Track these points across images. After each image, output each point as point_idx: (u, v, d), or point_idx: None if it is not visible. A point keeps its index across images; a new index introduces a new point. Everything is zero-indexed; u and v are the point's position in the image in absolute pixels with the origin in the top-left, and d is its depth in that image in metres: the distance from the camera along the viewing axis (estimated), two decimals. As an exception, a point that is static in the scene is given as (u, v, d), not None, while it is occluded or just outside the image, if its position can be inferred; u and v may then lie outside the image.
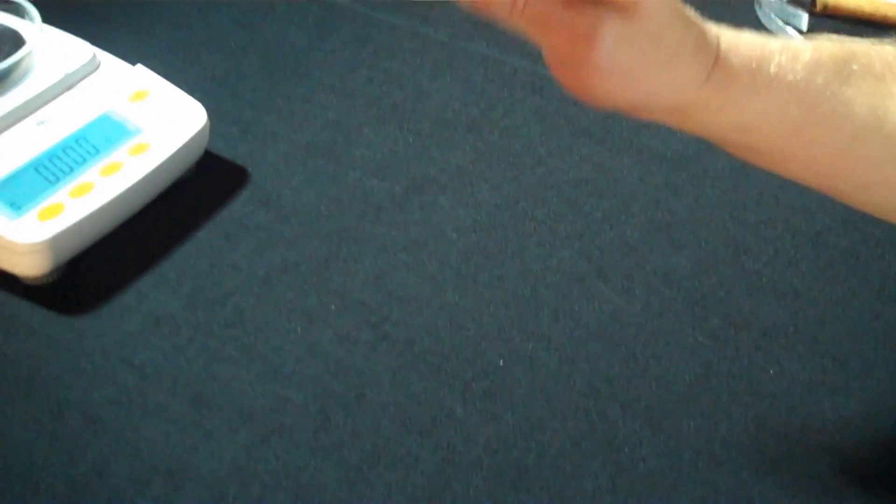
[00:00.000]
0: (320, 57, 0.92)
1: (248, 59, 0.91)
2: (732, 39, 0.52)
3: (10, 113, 0.73)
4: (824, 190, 0.57)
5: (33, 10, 0.78)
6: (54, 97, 0.76)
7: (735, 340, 0.67)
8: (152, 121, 0.76)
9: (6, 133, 0.73)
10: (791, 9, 0.92)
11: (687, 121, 0.53)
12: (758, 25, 0.95)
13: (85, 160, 0.72)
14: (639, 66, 0.50)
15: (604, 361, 0.66)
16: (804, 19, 0.91)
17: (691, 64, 0.50)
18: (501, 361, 0.66)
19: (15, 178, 0.70)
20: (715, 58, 0.51)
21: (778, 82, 0.51)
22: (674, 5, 0.50)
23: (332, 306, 0.70)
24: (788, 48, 0.52)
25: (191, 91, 0.79)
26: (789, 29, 0.92)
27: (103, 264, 0.72)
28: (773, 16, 0.93)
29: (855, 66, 0.52)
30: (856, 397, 0.65)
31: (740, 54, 0.51)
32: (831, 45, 0.53)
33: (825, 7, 0.95)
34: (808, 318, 0.69)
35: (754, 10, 0.96)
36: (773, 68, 0.51)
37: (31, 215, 0.69)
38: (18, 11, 0.79)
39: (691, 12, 0.51)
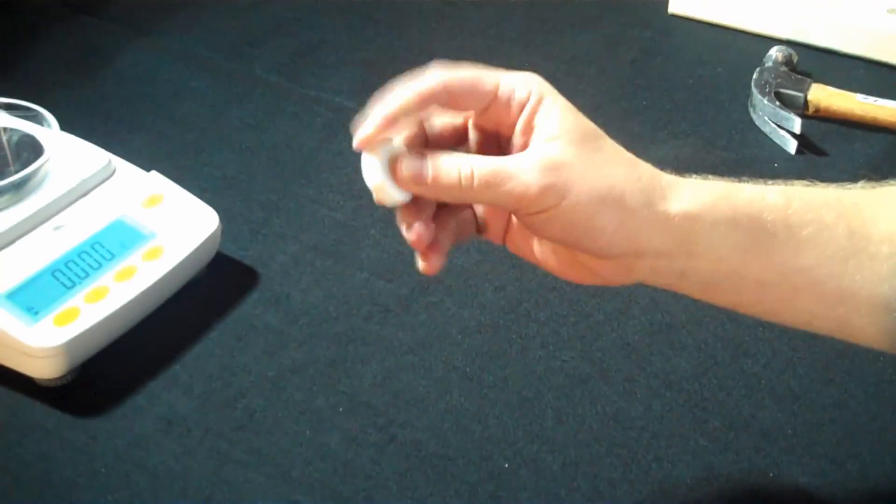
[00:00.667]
0: (328, 158, 0.95)
1: (258, 160, 0.94)
2: (697, 183, 0.54)
3: (27, 219, 0.76)
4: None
5: (51, 118, 0.81)
6: (70, 203, 0.78)
7: (735, 443, 0.69)
8: (166, 226, 0.78)
9: (24, 239, 0.75)
10: (784, 112, 0.95)
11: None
12: (751, 128, 0.98)
13: (100, 265, 0.75)
14: (596, 206, 0.52)
15: (607, 464, 0.68)
16: (797, 122, 0.94)
17: (650, 208, 0.52)
18: (507, 464, 0.68)
19: (32, 283, 0.73)
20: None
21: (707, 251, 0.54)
22: (597, 192, 0.52)
23: (341, 408, 0.71)
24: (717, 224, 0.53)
25: (202, 192, 0.82)
26: (782, 132, 0.94)
27: (116, 366, 0.74)
28: (766, 118, 0.96)
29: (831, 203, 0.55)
30: (853, 499, 0.66)
31: (706, 194, 0.53)
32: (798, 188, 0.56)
33: (817, 110, 0.98)
34: (806, 420, 0.70)
35: (748, 114, 0.99)
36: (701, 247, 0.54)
37: (47, 320, 0.71)
38: (36, 119, 0.82)
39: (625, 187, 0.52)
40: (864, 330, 0.55)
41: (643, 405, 0.72)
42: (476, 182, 0.52)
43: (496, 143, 0.56)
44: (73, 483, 0.67)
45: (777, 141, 0.96)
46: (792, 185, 0.56)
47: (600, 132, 0.54)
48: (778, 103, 0.97)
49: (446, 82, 0.53)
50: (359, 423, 0.70)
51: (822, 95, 0.98)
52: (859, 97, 0.98)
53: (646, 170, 0.54)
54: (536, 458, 0.68)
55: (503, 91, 0.53)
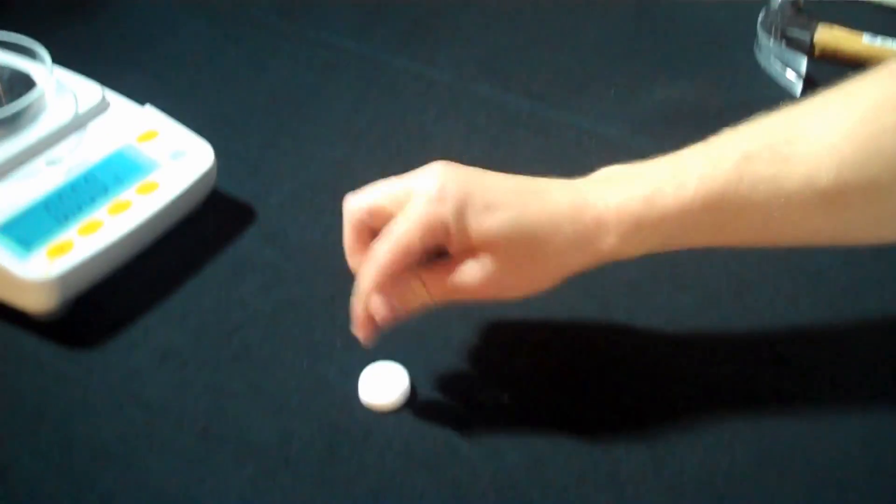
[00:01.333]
0: (326, 97, 0.93)
1: (255, 99, 0.93)
2: (619, 206, 0.60)
3: (20, 153, 0.75)
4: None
5: (44, 52, 0.79)
6: (64, 137, 0.77)
7: (738, 374, 0.68)
8: (161, 160, 0.77)
9: (16, 172, 0.74)
10: (790, 53, 0.93)
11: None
12: (757, 70, 0.96)
13: (94, 199, 0.73)
14: (537, 280, 0.63)
15: (608, 397, 0.67)
16: (803, 64, 0.92)
17: (585, 256, 0.61)
18: (506, 397, 0.67)
19: (25, 216, 0.71)
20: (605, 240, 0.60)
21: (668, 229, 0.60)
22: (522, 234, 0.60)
23: (338, 342, 0.70)
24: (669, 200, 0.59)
25: (198, 129, 0.80)
26: (789, 72, 0.93)
27: (111, 300, 0.73)
28: (772, 59, 0.95)
29: (744, 166, 0.59)
30: (856, 426, 0.65)
31: (630, 220, 0.60)
32: (712, 161, 0.60)
33: (823, 52, 0.96)
34: (810, 351, 0.70)
35: (754, 55, 0.98)
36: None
37: (40, 253, 0.69)
38: (30, 54, 0.80)
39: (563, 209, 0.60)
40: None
41: (645, 341, 0.71)
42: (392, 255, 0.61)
43: None
44: (67, 416, 0.66)
45: (783, 83, 0.94)
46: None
47: (517, 211, 0.60)
48: (784, 45, 0.95)
49: (369, 208, 0.64)
50: (357, 356, 0.69)
51: (829, 37, 0.97)
52: (866, 38, 0.96)
53: (568, 220, 0.60)
54: (537, 394, 0.67)
55: (430, 231, 0.60)
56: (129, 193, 0.74)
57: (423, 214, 0.59)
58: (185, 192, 0.76)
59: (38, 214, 0.72)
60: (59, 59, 0.80)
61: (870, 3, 1.05)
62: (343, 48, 0.99)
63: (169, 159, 0.77)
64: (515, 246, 0.60)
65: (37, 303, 0.70)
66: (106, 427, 0.65)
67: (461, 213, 0.59)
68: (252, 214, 0.81)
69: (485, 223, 0.59)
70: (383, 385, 0.66)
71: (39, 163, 0.75)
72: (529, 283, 0.62)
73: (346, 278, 0.74)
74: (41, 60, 0.79)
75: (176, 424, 0.65)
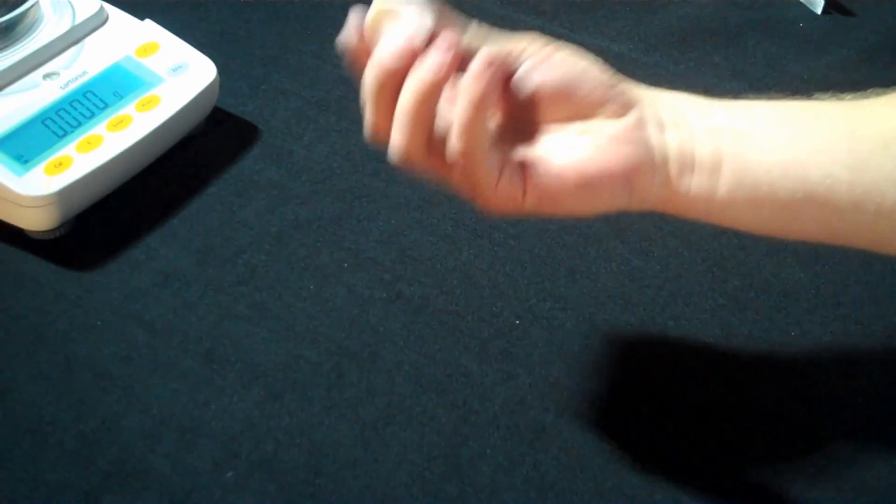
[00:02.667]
0: (330, 13, 0.90)
1: (258, 15, 0.90)
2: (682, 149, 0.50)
3: (16, 65, 0.72)
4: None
5: (40, -39, 0.76)
6: (61, 50, 0.74)
7: (755, 302, 0.66)
8: (161, 75, 0.74)
9: (12, 86, 0.71)
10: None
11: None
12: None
13: (93, 114, 0.71)
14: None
15: (622, 322, 0.65)
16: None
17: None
18: (518, 321, 0.65)
19: (21, 131, 0.69)
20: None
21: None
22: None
23: (346, 264, 0.69)
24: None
25: (199, 47, 0.77)
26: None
27: (112, 219, 0.71)
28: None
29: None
30: (878, 361, 0.63)
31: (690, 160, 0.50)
32: None
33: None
34: (830, 280, 0.68)
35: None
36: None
37: (38, 169, 0.67)
38: (25, -38, 0.77)
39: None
40: None
41: (660, 264, 0.69)
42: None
43: None
44: (67, 336, 0.64)
45: (803, 0, 0.91)
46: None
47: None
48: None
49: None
50: (364, 279, 0.68)
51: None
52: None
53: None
54: (549, 316, 0.66)
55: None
56: (129, 108, 0.72)
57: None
58: (186, 108, 0.73)
59: (35, 129, 0.69)
60: (54, -30, 0.77)
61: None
62: (348, -38, 0.95)
63: (170, 74, 0.74)
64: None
65: (35, 221, 0.68)
66: (107, 348, 0.63)
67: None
68: (256, 133, 0.78)
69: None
70: None
71: (36, 76, 0.73)
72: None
73: (352, 198, 0.73)
74: (36, -30, 0.76)
75: (179, 346, 0.63)
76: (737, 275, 0.68)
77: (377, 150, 0.76)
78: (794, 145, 0.50)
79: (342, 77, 0.83)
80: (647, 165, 0.50)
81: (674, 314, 0.66)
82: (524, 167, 0.50)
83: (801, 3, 0.91)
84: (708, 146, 0.50)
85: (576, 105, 0.50)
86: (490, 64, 0.47)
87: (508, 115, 0.51)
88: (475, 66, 0.47)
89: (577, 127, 0.51)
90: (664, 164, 0.50)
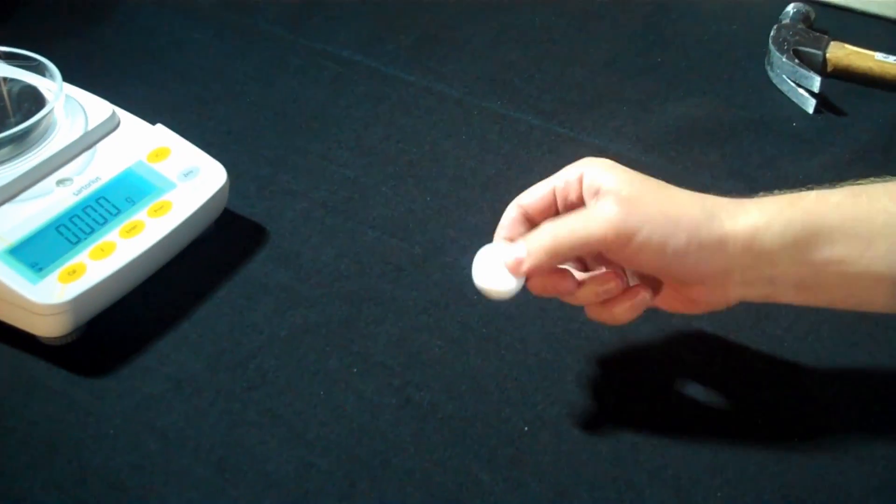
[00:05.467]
0: (336, 113, 0.92)
1: (265, 115, 0.92)
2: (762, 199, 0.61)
3: (30, 171, 0.73)
4: None
5: (54, 69, 0.78)
6: (75, 156, 0.76)
7: (760, 408, 0.67)
8: (173, 180, 0.76)
9: (27, 192, 0.73)
10: (803, 71, 0.93)
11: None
12: (769, 86, 0.95)
13: (106, 220, 0.72)
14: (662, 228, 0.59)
15: (629, 427, 0.66)
16: (817, 81, 0.92)
17: (713, 222, 0.59)
18: (526, 427, 0.66)
19: (36, 238, 0.70)
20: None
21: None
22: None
23: (355, 369, 0.70)
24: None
25: (207, 146, 0.79)
26: (801, 91, 0.92)
27: (123, 324, 0.72)
28: (784, 77, 0.94)
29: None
30: (882, 464, 0.64)
31: (773, 204, 0.60)
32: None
33: (836, 69, 0.95)
34: (832, 384, 0.69)
35: (765, 72, 0.97)
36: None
37: (52, 277, 0.68)
38: (39, 69, 0.79)
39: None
40: None
41: (664, 373, 0.70)
42: (558, 245, 0.60)
43: None
44: (80, 444, 0.65)
45: (795, 100, 0.94)
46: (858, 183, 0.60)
47: (652, 180, 0.61)
48: (797, 61, 0.95)
49: (521, 207, 0.64)
50: (374, 384, 0.69)
51: (841, 54, 0.96)
52: (878, 56, 0.96)
53: (709, 197, 0.60)
54: (557, 422, 0.67)
55: (562, 189, 0.63)
56: (141, 214, 0.73)
57: (558, 179, 0.63)
58: (197, 213, 0.75)
59: (49, 236, 0.71)
60: (66, 72, 0.79)
61: (882, 20, 1.04)
62: (352, 62, 0.97)
63: (181, 179, 0.76)
64: (644, 193, 0.60)
65: (49, 328, 0.69)
66: (120, 457, 0.64)
67: (593, 174, 0.61)
68: (264, 234, 0.80)
69: (617, 175, 0.61)
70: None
71: (50, 182, 0.74)
72: (657, 231, 0.58)
73: (360, 300, 0.74)
74: (51, 76, 0.78)
75: (192, 455, 0.64)
76: (741, 379, 0.69)
77: (384, 252, 0.78)
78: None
79: (348, 177, 0.85)
80: None
81: (686, 417, 0.67)
82: None
83: (793, 102, 0.94)
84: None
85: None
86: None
87: None
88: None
89: None
90: None
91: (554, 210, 0.64)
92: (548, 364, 0.70)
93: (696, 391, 0.68)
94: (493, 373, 0.70)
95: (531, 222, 0.64)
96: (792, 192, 0.61)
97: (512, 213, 0.64)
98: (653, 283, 0.63)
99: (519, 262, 0.61)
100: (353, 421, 0.66)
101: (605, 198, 0.60)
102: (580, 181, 0.61)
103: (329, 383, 0.69)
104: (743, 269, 0.59)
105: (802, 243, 0.58)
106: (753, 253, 0.58)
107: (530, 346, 0.71)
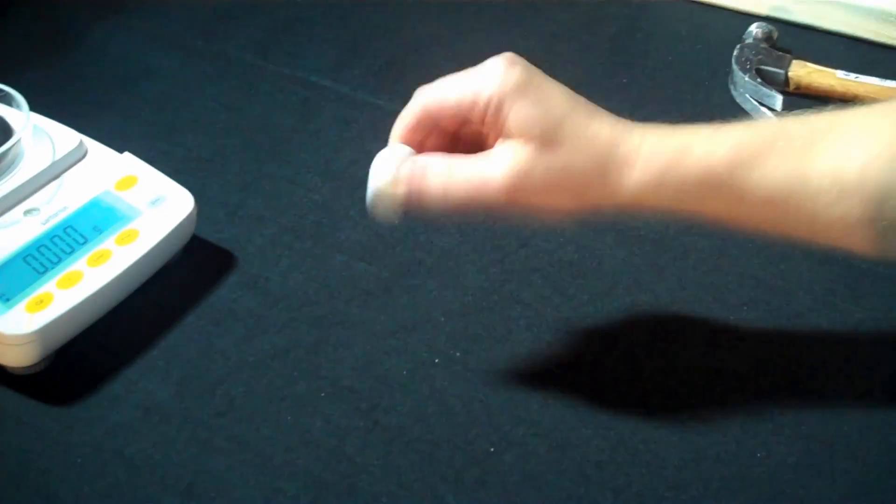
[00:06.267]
0: (304, 138, 0.93)
1: (233, 142, 0.92)
2: (652, 150, 0.61)
3: (-3, 202, 0.74)
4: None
5: (21, 99, 0.79)
6: (42, 186, 0.76)
7: (723, 424, 0.68)
8: (140, 208, 0.76)
9: (-6, 222, 0.73)
10: (765, 89, 0.94)
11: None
12: (732, 106, 0.97)
13: (73, 249, 0.73)
14: (556, 194, 0.61)
15: (594, 446, 0.67)
16: (778, 100, 0.93)
17: (606, 187, 0.61)
18: (492, 448, 0.67)
19: (3, 268, 0.71)
20: (631, 178, 0.61)
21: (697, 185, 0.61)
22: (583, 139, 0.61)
23: (323, 393, 0.70)
24: (703, 149, 0.61)
25: (176, 173, 0.80)
26: (764, 109, 0.94)
27: (91, 353, 0.72)
28: (747, 96, 0.95)
29: (779, 144, 0.60)
30: (842, 479, 0.65)
31: (657, 166, 0.61)
32: (749, 133, 0.62)
33: (798, 87, 0.97)
34: (795, 399, 0.70)
35: (729, 91, 0.98)
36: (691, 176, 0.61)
37: (19, 307, 0.69)
38: (6, 99, 0.79)
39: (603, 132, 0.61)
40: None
41: (626, 387, 0.71)
42: (453, 197, 0.61)
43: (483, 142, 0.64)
44: (48, 474, 0.65)
45: (758, 118, 0.95)
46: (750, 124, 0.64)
47: (561, 114, 0.61)
48: (759, 80, 0.96)
49: (425, 106, 0.64)
50: (342, 408, 0.69)
51: (803, 72, 0.97)
52: (840, 73, 0.97)
53: (602, 144, 0.61)
54: (522, 442, 0.67)
55: (469, 102, 0.62)
56: (108, 243, 0.74)
57: (467, 88, 0.62)
58: (164, 241, 0.75)
59: (16, 267, 0.71)
60: (33, 102, 0.79)
61: (844, 37, 1.06)
62: (320, 86, 0.98)
63: (148, 207, 0.76)
64: (547, 145, 0.60)
65: (16, 358, 0.69)
66: (88, 486, 0.64)
67: (512, 97, 0.61)
68: (232, 260, 0.80)
69: (523, 112, 0.60)
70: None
71: (17, 212, 0.74)
72: (549, 196, 0.62)
73: (328, 325, 0.75)
74: (18, 106, 0.79)
75: (160, 483, 0.64)
76: (713, 401, 0.70)
77: (352, 276, 0.79)
78: None
79: (316, 202, 0.85)
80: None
81: (644, 437, 0.67)
82: None
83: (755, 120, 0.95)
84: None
85: None
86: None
87: None
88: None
89: None
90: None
91: (461, 119, 0.64)
92: (513, 385, 0.71)
93: (659, 410, 0.69)
94: (460, 394, 0.70)
95: (435, 125, 0.65)
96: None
97: (415, 110, 0.65)
98: None
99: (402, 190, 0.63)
100: (320, 445, 0.67)
101: (507, 146, 0.61)
102: (487, 106, 0.61)
103: (296, 408, 0.69)
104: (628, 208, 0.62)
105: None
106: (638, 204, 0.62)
107: (496, 367, 0.72)
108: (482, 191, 0.61)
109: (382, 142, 0.91)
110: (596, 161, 0.61)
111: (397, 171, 0.63)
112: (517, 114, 0.60)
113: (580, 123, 0.61)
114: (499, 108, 0.60)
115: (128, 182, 0.78)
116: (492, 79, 0.61)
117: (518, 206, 0.61)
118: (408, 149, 0.64)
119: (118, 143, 0.81)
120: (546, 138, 0.60)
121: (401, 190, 0.62)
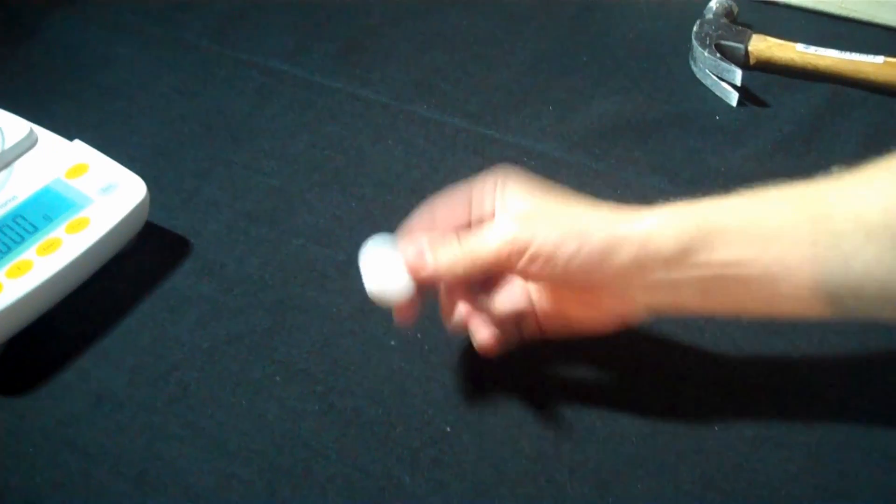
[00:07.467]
0: (261, 123, 0.92)
1: (188, 128, 0.91)
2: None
3: (-55, 192, 0.73)
4: None
5: (-32, 88, 0.78)
6: (-9, 174, 0.75)
7: (680, 397, 0.68)
8: (91, 196, 0.75)
9: (-58, 213, 0.72)
10: (725, 64, 0.94)
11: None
12: (693, 81, 0.96)
13: (23, 238, 0.72)
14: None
15: (550, 425, 0.66)
16: (738, 74, 0.93)
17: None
18: (449, 428, 0.66)
19: (-49, 259, 0.70)
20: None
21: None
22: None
23: (278, 378, 0.70)
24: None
25: (130, 161, 0.79)
26: (724, 84, 0.93)
27: (43, 343, 0.72)
28: (707, 71, 0.95)
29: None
30: (800, 451, 0.65)
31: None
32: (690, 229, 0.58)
33: (758, 61, 0.97)
34: (751, 372, 0.70)
35: (689, 67, 0.98)
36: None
37: (-32, 297, 0.68)
38: (-47, 89, 0.78)
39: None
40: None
41: (588, 363, 0.71)
42: (466, 262, 0.61)
43: None
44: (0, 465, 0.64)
45: (718, 93, 0.95)
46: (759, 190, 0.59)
47: (557, 193, 0.62)
48: (719, 55, 0.96)
49: (432, 216, 0.65)
50: (296, 392, 0.69)
51: (763, 46, 0.97)
52: (800, 47, 0.97)
53: (609, 206, 0.60)
54: (479, 422, 0.67)
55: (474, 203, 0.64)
56: (58, 231, 0.73)
57: (474, 193, 0.65)
58: (116, 228, 0.74)
59: (-36, 257, 0.70)
60: (-17, 93, 0.79)
61: (803, 11, 1.05)
62: (278, 71, 0.97)
63: (99, 194, 0.75)
64: (536, 216, 0.61)
65: (-35, 349, 0.68)
66: (39, 475, 0.64)
67: (503, 192, 0.63)
68: (187, 247, 0.79)
69: (514, 192, 0.63)
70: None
71: (-34, 203, 0.73)
72: (596, 310, 0.63)
73: (284, 309, 0.74)
74: (-35, 96, 0.78)
75: (112, 471, 0.64)
76: (661, 370, 0.70)
77: (308, 260, 0.78)
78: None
79: (273, 186, 0.85)
80: None
81: (600, 413, 0.67)
82: None
83: (717, 96, 0.94)
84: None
85: None
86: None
87: None
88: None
89: None
90: None
91: (464, 219, 0.65)
92: (470, 365, 0.70)
93: (614, 386, 0.69)
94: (417, 376, 0.70)
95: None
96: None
97: (422, 220, 0.66)
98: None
99: (420, 266, 0.62)
100: (274, 430, 0.66)
101: (500, 216, 0.62)
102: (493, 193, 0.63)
103: (251, 393, 0.69)
104: (641, 272, 0.59)
105: (698, 244, 0.57)
106: (649, 255, 0.58)
107: (453, 348, 0.71)
108: (486, 250, 0.60)
109: (341, 125, 0.91)
110: (598, 210, 0.61)
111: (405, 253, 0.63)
112: (513, 192, 0.63)
113: (576, 196, 0.62)
114: (502, 192, 0.63)
115: (79, 170, 0.77)
116: (494, 178, 0.64)
117: (530, 260, 0.59)
118: (389, 237, 0.65)
119: (72, 131, 0.80)
120: (545, 195, 0.62)
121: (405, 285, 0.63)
